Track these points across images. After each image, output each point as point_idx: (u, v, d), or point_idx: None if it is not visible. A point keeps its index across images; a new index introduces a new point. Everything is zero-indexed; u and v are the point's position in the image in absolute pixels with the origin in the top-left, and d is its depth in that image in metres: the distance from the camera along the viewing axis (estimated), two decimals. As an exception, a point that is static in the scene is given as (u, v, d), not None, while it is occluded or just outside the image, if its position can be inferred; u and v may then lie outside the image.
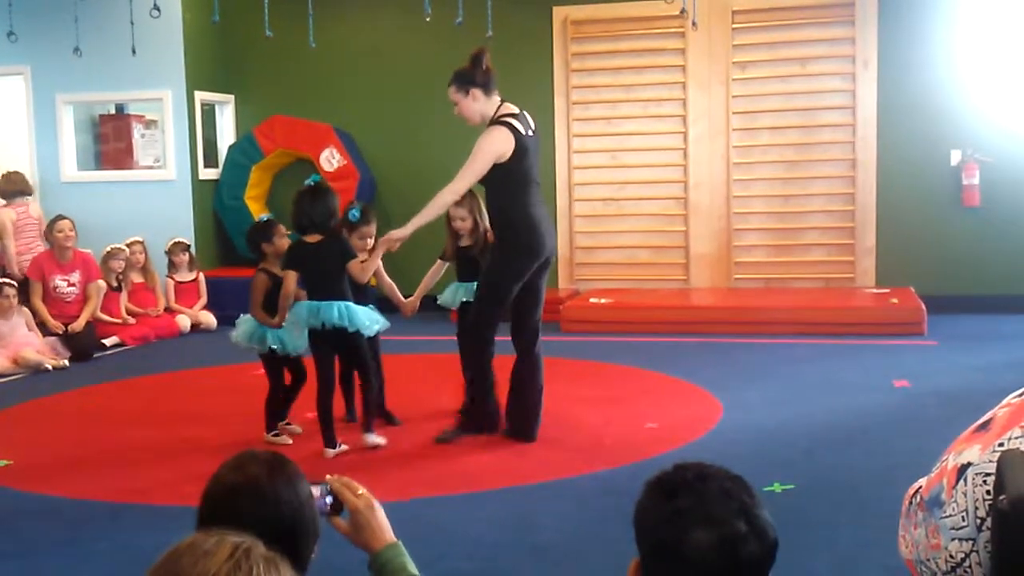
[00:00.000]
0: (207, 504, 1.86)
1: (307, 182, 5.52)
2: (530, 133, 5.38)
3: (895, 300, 8.74)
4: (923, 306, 8.45)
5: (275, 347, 5.58)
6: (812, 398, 6.37)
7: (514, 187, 5.32)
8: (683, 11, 7.18)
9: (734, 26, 9.59)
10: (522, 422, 5.53)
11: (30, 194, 9.45)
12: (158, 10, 7.73)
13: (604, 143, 10.01)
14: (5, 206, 9.21)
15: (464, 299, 5.90)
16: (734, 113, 9.69)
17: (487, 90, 5.36)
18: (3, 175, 9.44)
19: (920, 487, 2.25)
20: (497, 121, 5.33)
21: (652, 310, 8.99)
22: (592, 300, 9.30)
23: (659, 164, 9.93)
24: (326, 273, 5.34)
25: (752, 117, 9.72)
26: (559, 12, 9.91)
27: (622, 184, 10.00)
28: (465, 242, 5.89)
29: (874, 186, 9.49)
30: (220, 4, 8.25)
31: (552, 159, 9.86)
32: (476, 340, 5.50)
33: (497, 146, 5.25)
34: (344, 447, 5.41)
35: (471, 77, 5.33)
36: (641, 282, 9.94)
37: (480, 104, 5.36)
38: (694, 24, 7.57)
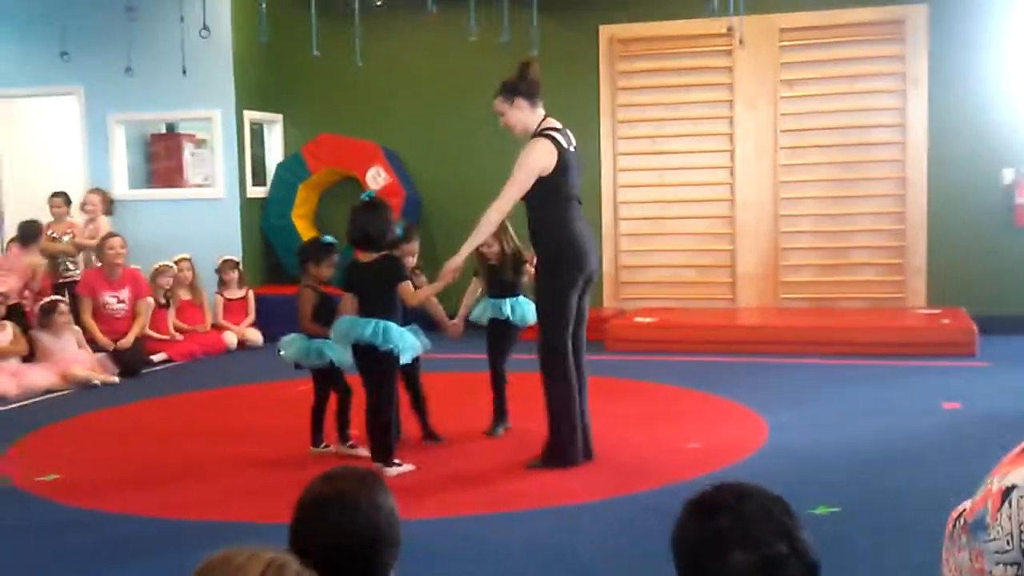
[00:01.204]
0: (296, 513, 1.96)
1: (362, 196, 5.56)
2: (572, 148, 5.36)
3: (946, 320, 8.61)
4: (974, 326, 8.31)
5: (334, 359, 5.63)
6: (859, 420, 6.28)
7: (555, 202, 5.26)
8: (730, 29, 7.16)
9: (781, 44, 9.53)
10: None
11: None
12: (208, 30, 7.86)
13: (650, 161, 9.99)
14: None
15: (492, 316, 5.96)
16: (782, 131, 9.63)
17: (532, 101, 5.32)
18: (100, 191, 9.77)
19: (964, 510, 2.21)
20: (539, 134, 5.31)
21: (698, 329, 8.93)
22: (637, 319, 9.25)
23: (705, 182, 9.88)
24: (374, 292, 5.35)
25: (800, 135, 9.65)
26: (605, 30, 9.91)
27: (668, 202, 9.96)
28: (493, 262, 5.98)
29: (924, 205, 9.37)
30: (268, 24, 8.36)
31: (598, 177, 9.85)
32: (552, 366, 5.33)
33: (540, 158, 5.22)
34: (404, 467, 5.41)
35: (516, 86, 5.32)
36: (687, 301, 9.89)
37: (524, 114, 5.32)
38: (741, 42, 7.55)
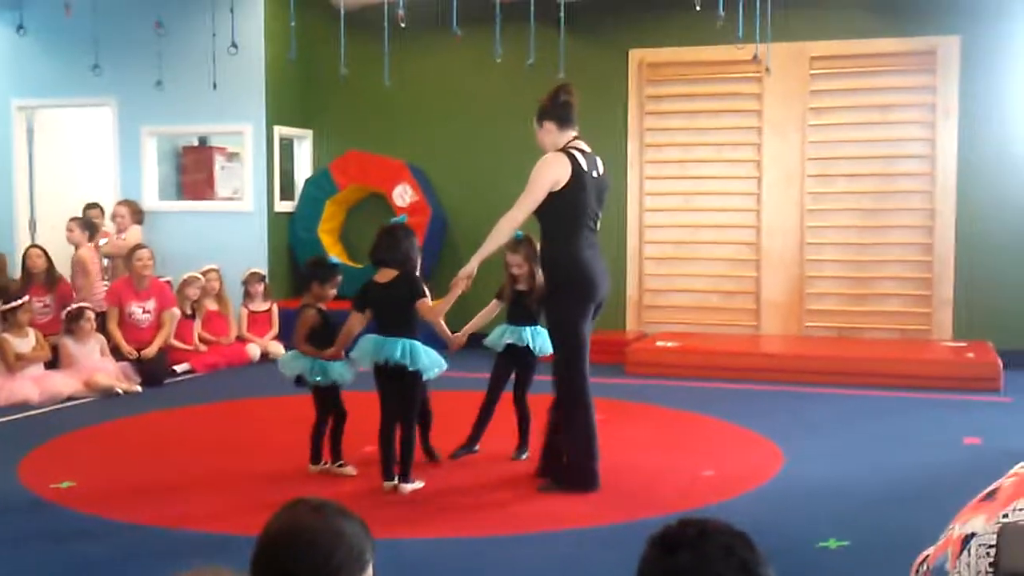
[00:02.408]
0: (257, 548, 1.93)
1: (394, 220, 5.65)
2: (594, 174, 5.32)
3: (971, 354, 8.52)
4: (999, 361, 8.22)
5: (336, 380, 5.67)
6: (878, 452, 6.22)
7: (568, 225, 5.24)
8: (755, 58, 7.15)
9: (812, 72, 9.50)
10: (559, 468, 5.47)
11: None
12: (235, 47, 7.95)
13: (677, 186, 9.96)
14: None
15: (509, 341, 5.92)
16: (809, 159, 9.59)
17: (561, 124, 5.34)
18: (128, 203, 9.86)
19: (927, 555, 2.19)
20: (559, 150, 5.32)
21: (720, 355, 8.88)
22: (659, 343, 9.22)
23: (732, 208, 9.85)
24: (393, 310, 5.38)
25: (828, 164, 9.60)
26: (634, 55, 9.91)
27: (694, 227, 9.94)
28: (522, 286, 5.91)
29: (953, 237, 9.29)
30: (299, 41, 8.43)
31: (624, 200, 9.84)
32: (570, 394, 5.31)
33: (552, 170, 5.21)
34: (417, 483, 5.43)
35: (544, 110, 5.38)
36: (710, 327, 9.84)
37: (552, 137, 5.35)
38: (768, 70, 7.53)
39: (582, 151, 5.33)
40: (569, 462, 5.37)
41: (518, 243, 5.75)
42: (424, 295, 5.39)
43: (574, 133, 5.38)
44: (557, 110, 5.35)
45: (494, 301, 6.09)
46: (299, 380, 5.78)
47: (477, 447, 6.11)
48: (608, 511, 5.08)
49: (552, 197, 5.21)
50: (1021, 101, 9.09)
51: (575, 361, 5.30)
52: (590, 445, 5.33)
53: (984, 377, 8.10)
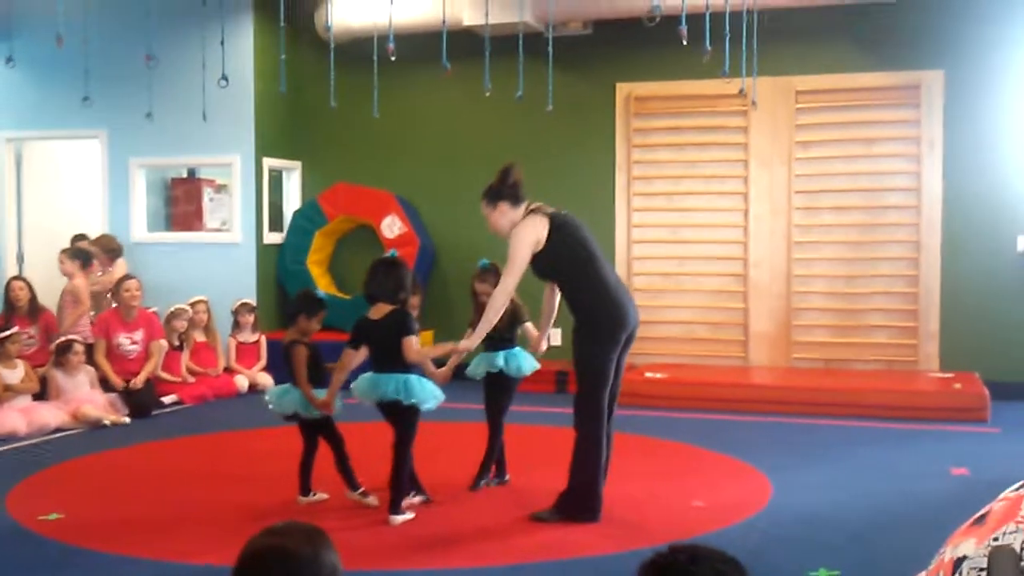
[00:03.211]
0: (237, 565, 1.95)
1: (386, 255, 5.67)
2: (564, 211, 5.43)
3: (958, 385, 8.56)
4: (987, 392, 8.26)
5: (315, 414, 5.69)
6: (867, 482, 6.24)
7: (580, 264, 5.31)
8: (741, 91, 7.21)
9: (798, 106, 9.59)
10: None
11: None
12: (226, 79, 7.98)
13: (664, 218, 10.02)
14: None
15: (488, 370, 5.97)
16: (796, 192, 9.66)
17: (514, 202, 5.41)
18: (107, 236, 9.84)
19: None
20: (525, 214, 5.40)
21: (708, 387, 8.90)
22: (647, 375, 9.23)
23: (719, 241, 9.91)
24: (387, 347, 5.39)
25: (814, 196, 9.67)
26: (622, 88, 9.99)
27: (682, 259, 9.99)
28: None
29: (939, 269, 9.35)
30: (289, 74, 8.46)
31: (612, 233, 9.89)
32: (587, 429, 5.32)
33: (528, 235, 5.28)
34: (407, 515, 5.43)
35: (498, 191, 5.43)
36: (699, 358, 9.87)
37: (508, 216, 5.42)
38: (754, 104, 7.60)
39: (541, 207, 5.41)
40: (570, 490, 5.39)
41: (485, 271, 5.94)
42: (413, 333, 5.37)
43: (525, 204, 5.45)
44: (510, 190, 5.42)
45: (468, 331, 6.11)
46: (290, 415, 5.76)
47: (507, 477, 6.16)
48: (598, 541, 5.07)
49: (546, 254, 5.29)
50: (1004, 134, 9.19)
51: (592, 397, 5.31)
52: (595, 477, 5.35)
53: (971, 408, 8.13)
